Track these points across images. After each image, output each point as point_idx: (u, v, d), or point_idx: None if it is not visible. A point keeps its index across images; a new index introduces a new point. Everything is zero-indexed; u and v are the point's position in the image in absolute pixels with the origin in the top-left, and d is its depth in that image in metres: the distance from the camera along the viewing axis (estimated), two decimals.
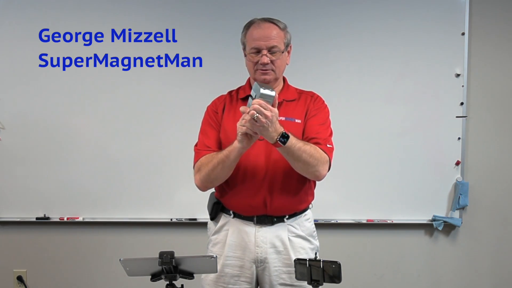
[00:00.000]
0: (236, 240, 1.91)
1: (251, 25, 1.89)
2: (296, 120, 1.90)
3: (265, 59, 1.83)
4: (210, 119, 1.95)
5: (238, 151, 1.74)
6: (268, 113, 1.63)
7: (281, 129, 1.70)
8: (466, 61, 2.93)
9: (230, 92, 2.02)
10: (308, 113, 1.93)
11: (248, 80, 2.00)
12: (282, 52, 1.87)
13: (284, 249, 1.90)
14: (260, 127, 1.65)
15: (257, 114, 1.62)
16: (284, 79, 2.01)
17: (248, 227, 1.91)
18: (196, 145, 1.95)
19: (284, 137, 1.69)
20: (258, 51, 1.84)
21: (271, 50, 1.84)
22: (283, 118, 1.86)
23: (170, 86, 2.94)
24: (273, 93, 1.66)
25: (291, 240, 1.92)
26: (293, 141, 1.72)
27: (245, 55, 1.92)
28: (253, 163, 1.85)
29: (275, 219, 1.90)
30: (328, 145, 1.88)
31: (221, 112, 1.95)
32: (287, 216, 1.92)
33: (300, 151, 1.74)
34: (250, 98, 1.72)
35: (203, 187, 1.90)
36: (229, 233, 1.93)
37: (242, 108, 1.70)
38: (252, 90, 1.72)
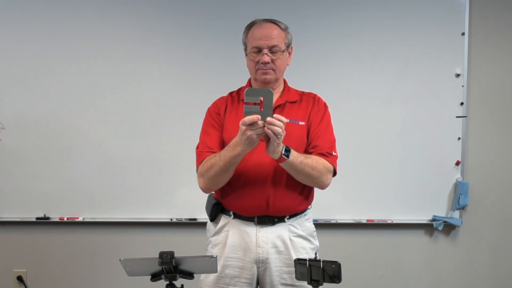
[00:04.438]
0: (237, 241, 1.91)
1: (253, 25, 1.90)
2: (300, 123, 1.91)
3: (266, 58, 1.84)
4: (212, 120, 1.95)
5: (242, 155, 1.75)
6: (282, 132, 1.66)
7: (283, 144, 1.72)
8: (466, 61, 2.94)
9: (230, 93, 2.02)
10: (310, 116, 1.93)
11: (249, 81, 2.00)
12: (283, 52, 1.87)
13: (285, 249, 1.90)
14: (275, 142, 1.67)
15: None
16: (284, 81, 2.01)
17: (248, 227, 1.90)
18: (197, 147, 1.95)
19: (287, 151, 1.73)
20: (259, 50, 1.85)
21: (272, 49, 1.85)
22: (287, 120, 1.86)
23: (170, 86, 2.94)
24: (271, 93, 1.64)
25: (292, 240, 1.92)
26: (294, 154, 1.76)
27: (246, 55, 1.93)
28: (257, 164, 1.85)
29: (276, 219, 1.90)
30: (333, 153, 1.91)
31: (223, 113, 1.95)
32: (287, 216, 1.92)
33: (302, 165, 1.78)
34: (245, 104, 1.66)
35: (207, 190, 1.91)
36: (229, 234, 1.92)
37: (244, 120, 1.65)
38: (245, 96, 1.65)
